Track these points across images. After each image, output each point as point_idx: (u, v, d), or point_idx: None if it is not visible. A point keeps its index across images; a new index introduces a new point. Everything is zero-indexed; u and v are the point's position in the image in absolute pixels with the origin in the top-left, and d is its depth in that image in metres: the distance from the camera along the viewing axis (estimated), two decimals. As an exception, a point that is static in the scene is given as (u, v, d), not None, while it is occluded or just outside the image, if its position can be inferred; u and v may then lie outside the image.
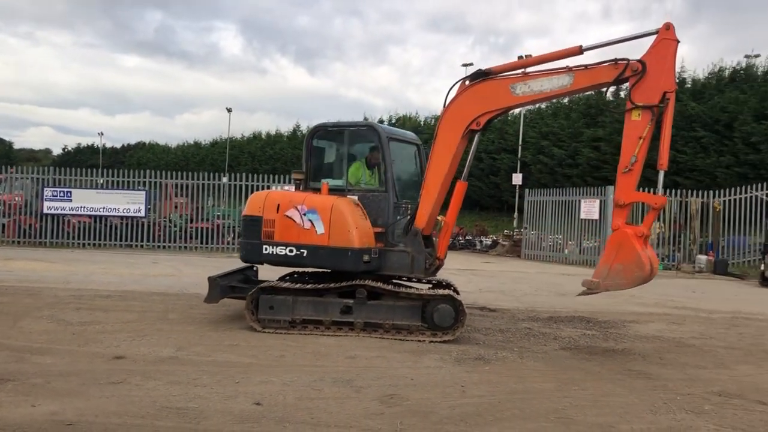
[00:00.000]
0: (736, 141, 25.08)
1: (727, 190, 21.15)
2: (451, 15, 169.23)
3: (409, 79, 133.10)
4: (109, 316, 7.84)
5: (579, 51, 6.97)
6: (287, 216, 7.36)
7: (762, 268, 16.40)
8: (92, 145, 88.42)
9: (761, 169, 24.20)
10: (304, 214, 7.29)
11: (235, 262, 17.00)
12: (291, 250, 7.33)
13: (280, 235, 7.38)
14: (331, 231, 7.17)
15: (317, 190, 7.67)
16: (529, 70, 7.09)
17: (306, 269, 8.07)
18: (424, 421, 4.41)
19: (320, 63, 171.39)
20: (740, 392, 5.49)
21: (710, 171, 25.65)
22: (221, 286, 7.65)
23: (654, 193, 6.57)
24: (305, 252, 7.28)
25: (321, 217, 7.23)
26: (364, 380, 5.37)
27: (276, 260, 7.47)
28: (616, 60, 6.71)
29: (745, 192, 20.52)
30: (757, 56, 29.53)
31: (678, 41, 6.59)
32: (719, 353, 7.15)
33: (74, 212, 20.64)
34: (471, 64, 38.12)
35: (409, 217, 7.65)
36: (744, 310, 10.88)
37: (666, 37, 6.56)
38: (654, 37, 6.61)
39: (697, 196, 21.00)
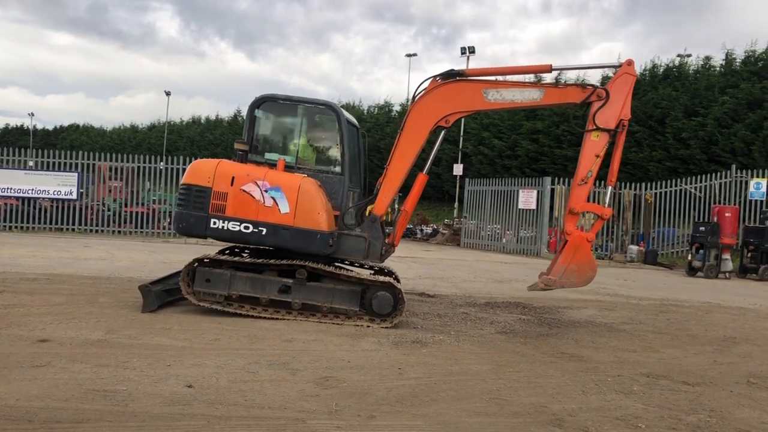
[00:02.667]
0: (667, 136, 25.95)
1: (659, 183, 21.92)
2: (393, 4, 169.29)
3: (351, 67, 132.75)
4: (35, 299, 7.52)
5: (549, 69, 7.57)
6: (244, 191, 7.00)
7: (689, 258, 17.08)
8: (22, 126, 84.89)
9: (690, 164, 25.13)
10: (266, 191, 6.99)
11: (170, 247, 16.61)
12: (246, 227, 6.97)
13: (234, 210, 6.98)
14: (297, 211, 6.94)
15: (258, 164, 7.41)
16: (500, 78, 7.53)
17: (248, 246, 7.79)
18: (359, 402, 4.38)
19: (261, 48, 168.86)
20: (667, 374, 5.67)
21: (643, 165, 26.48)
22: (155, 293, 7.20)
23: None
24: (264, 230, 6.97)
25: (286, 195, 6.95)
26: (300, 363, 5.30)
27: (225, 236, 7.09)
28: (584, 84, 7.44)
29: (675, 185, 21.31)
30: (688, 56, 30.59)
31: (636, 77, 7.44)
32: (648, 337, 7.38)
33: (0, 194, 19.76)
34: (415, 55, 38.49)
35: (359, 203, 7.68)
36: (671, 298, 11.29)
37: (627, 72, 7.35)
38: (605, 68, 7.33)
39: (630, 188, 21.66)
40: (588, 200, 7.45)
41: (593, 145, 7.29)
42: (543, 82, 7.90)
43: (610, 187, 7.62)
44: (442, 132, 7.65)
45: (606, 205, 7.56)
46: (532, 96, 7.38)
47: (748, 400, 5.02)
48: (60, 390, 4.27)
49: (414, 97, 7.54)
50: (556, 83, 7.40)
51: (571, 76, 28.02)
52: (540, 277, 7.42)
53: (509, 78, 7.70)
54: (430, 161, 7.77)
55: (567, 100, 7.45)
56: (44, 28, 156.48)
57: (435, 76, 7.52)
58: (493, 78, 7.48)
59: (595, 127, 7.25)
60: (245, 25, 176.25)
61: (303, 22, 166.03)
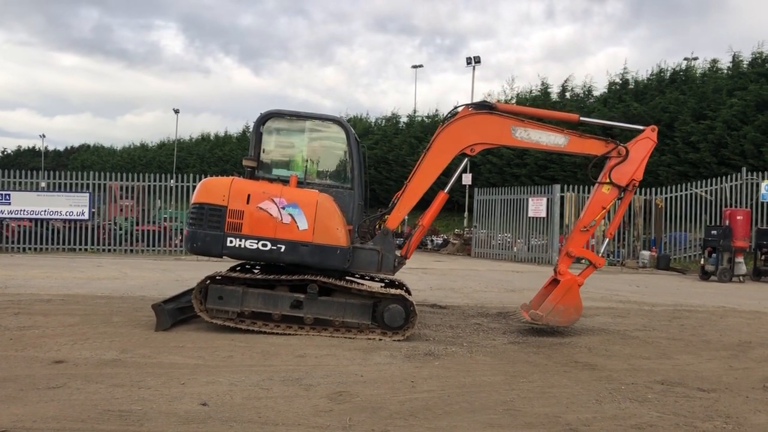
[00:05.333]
0: (676, 140, 25.86)
1: (669, 187, 21.83)
2: (396, 15, 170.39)
3: (356, 80, 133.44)
4: (50, 321, 7.58)
5: (576, 119, 7.97)
6: (261, 208, 6.99)
7: (702, 262, 17.00)
8: (33, 147, 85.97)
9: (700, 168, 25.02)
10: (283, 208, 6.99)
11: (182, 265, 16.70)
12: (265, 245, 6.95)
13: (251, 228, 6.96)
14: (316, 227, 6.97)
15: (270, 180, 7.40)
16: (528, 117, 7.78)
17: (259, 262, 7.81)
18: (373, 416, 4.39)
19: (265, 63, 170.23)
20: (682, 380, 5.64)
21: (652, 169, 26.35)
22: (168, 311, 7.22)
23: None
24: (283, 247, 6.97)
25: (305, 212, 6.97)
26: (313, 378, 5.32)
27: (243, 254, 7.08)
28: (607, 140, 7.77)
29: (686, 189, 21.23)
30: (695, 59, 30.60)
31: (656, 143, 7.76)
32: (662, 344, 7.34)
33: (14, 216, 19.96)
34: (421, 66, 38.64)
35: (375, 215, 7.73)
36: (685, 303, 11.23)
37: (649, 137, 7.73)
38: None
39: (640, 193, 21.58)
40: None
41: (602, 197, 7.68)
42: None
43: (607, 239, 8.40)
44: (466, 159, 7.81)
45: (601, 254, 8.01)
46: (557, 141, 7.65)
47: (765, 405, 4.98)
48: (76, 411, 4.31)
49: (444, 121, 7.68)
50: (581, 133, 7.74)
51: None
52: (522, 308, 8.08)
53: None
54: (451, 182, 7.86)
55: (589, 151, 7.71)
56: (50, 50, 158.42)
57: (468, 105, 7.74)
58: (524, 119, 7.66)
59: (609, 181, 7.59)
60: (249, 41, 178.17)
61: (307, 35, 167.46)
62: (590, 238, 7.98)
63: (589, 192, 20.94)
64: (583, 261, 8.13)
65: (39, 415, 4.21)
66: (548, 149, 7.84)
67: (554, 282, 7.80)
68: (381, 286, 7.80)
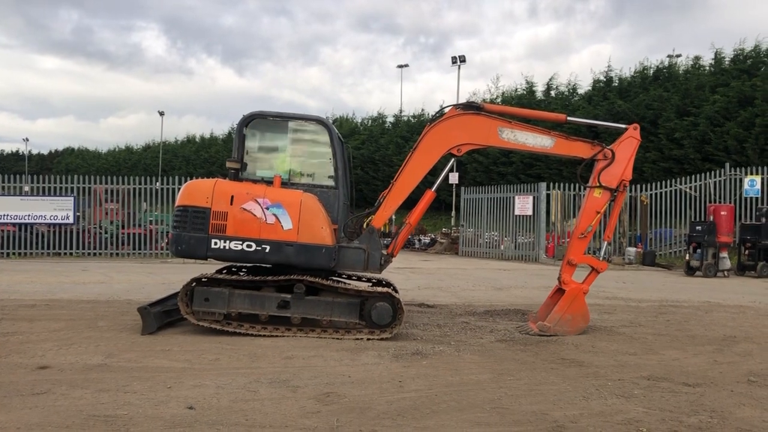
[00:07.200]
0: (660, 137, 26.04)
1: (654, 184, 21.96)
2: (380, 15, 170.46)
3: (341, 79, 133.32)
4: (34, 326, 7.51)
5: (564, 119, 8.03)
6: (245, 209, 6.98)
7: (687, 258, 17.11)
8: (17, 151, 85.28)
9: (685, 164, 25.21)
10: (267, 208, 6.97)
11: (169, 268, 16.60)
12: (249, 246, 6.94)
13: (235, 230, 6.95)
14: (301, 227, 6.96)
15: (253, 182, 7.39)
16: (515, 117, 7.83)
17: (246, 264, 7.78)
18: (361, 417, 4.39)
19: (249, 63, 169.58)
20: (667, 375, 5.68)
21: (637, 166, 26.44)
22: (155, 314, 7.18)
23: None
24: (268, 248, 6.96)
25: (288, 212, 6.96)
26: (300, 380, 5.31)
27: (227, 256, 7.06)
28: (593, 142, 7.82)
29: (670, 186, 21.37)
30: (678, 56, 30.93)
31: (640, 141, 7.81)
32: (648, 340, 7.39)
33: (-3, 220, 19.77)
34: (407, 65, 38.65)
35: (360, 214, 7.72)
36: (670, 299, 11.32)
37: (632, 136, 7.80)
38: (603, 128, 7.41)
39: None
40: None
41: (595, 202, 7.71)
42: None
43: (605, 242, 8.24)
44: (453, 159, 7.87)
45: (601, 258, 7.98)
46: (543, 143, 7.70)
47: (749, 399, 5.02)
48: (61, 417, 4.27)
49: (431, 121, 7.70)
50: (567, 136, 7.80)
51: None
52: (531, 320, 8.07)
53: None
54: (438, 181, 7.89)
55: (575, 154, 7.77)
56: (30, 53, 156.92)
57: (456, 105, 7.76)
58: (509, 120, 7.70)
59: (598, 184, 7.64)
60: (232, 41, 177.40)
61: (290, 35, 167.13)
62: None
63: (574, 189, 21.07)
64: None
65: (23, 421, 4.17)
66: (535, 151, 7.86)
67: (559, 291, 7.80)
68: (368, 285, 7.80)
